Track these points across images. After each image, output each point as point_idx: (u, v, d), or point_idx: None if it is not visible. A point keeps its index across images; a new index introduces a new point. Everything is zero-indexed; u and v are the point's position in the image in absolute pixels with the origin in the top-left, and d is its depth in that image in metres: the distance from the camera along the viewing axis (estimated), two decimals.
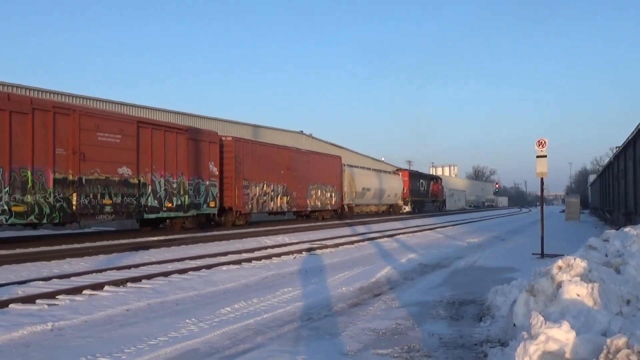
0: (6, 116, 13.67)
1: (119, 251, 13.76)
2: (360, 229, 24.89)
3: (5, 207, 13.55)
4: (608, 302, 4.75)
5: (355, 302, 7.78)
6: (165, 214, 19.23)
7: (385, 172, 47.45)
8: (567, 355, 3.62)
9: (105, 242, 15.28)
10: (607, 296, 4.85)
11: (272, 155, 26.57)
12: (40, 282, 9.26)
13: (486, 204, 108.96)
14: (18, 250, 12.83)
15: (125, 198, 17.39)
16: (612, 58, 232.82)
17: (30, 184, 14.26)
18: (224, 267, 11.38)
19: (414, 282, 9.72)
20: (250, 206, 24.44)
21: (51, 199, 14.84)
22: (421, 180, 54.86)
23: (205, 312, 7.00)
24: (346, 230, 23.52)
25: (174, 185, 19.54)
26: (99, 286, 8.74)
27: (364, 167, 43.03)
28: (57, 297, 7.93)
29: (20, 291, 8.40)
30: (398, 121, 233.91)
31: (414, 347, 5.25)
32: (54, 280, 9.51)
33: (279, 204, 27.10)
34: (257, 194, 25.09)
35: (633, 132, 20.14)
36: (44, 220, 14.86)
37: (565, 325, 3.75)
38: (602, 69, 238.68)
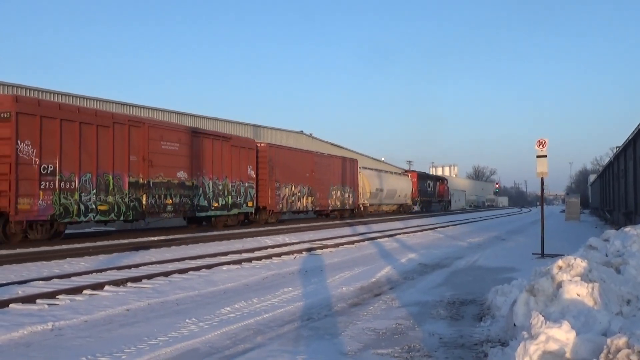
0: (94, 130, 16.44)
1: (120, 251, 13.77)
2: (361, 228, 24.89)
3: (94, 206, 16.37)
4: (608, 302, 4.75)
5: (356, 302, 7.79)
6: (212, 213, 21.97)
7: (395, 173, 51.06)
8: (568, 355, 3.62)
9: (105, 242, 15.29)
10: (608, 296, 4.85)
11: (298, 159, 29.32)
12: (40, 282, 9.26)
13: (486, 204, 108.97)
14: (18, 250, 12.83)
15: (182, 198, 20.15)
16: (612, 58, 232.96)
17: (111, 187, 17.01)
18: (224, 267, 11.39)
19: (414, 282, 9.72)
20: (281, 205, 27.15)
21: (127, 199, 17.58)
22: (428, 181, 57.95)
23: (206, 312, 7.00)
24: (346, 230, 23.51)
25: (220, 187, 22.36)
26: (99, 286, 8.74)
27: (377, 170, 46.11)
28: (57, 297, 7.93)
29: (21, 291, 8.40)
30: (398, 121, 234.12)
31: (414, 347, 5.25)
32: (54, 280, 9.51)
33: (304, 204, 29.77)
34: (287, 195, 27.72)
35: (633, 132, 20.14)
36: (121, 217, 17.52)
37: (566, 325, 3.75)
38: (602, 68, 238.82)
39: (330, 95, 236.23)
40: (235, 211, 23.50)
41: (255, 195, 24.97)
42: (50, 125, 15.15)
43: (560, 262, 5.29)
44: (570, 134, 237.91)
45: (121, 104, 27.79)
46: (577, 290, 4.62)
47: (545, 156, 13.55)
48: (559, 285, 4.83)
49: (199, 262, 11.94)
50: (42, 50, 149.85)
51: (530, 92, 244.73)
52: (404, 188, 48.29)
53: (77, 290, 8.35)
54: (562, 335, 3.68)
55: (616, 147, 33.61)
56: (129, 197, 17.67)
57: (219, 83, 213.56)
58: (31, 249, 13.24)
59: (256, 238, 18.24)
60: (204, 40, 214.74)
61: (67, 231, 19.55)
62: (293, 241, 17.52)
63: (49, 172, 15.12)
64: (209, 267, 11.26)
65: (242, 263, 12.09)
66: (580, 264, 5.16)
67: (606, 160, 57.76)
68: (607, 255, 6.24)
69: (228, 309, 7.20)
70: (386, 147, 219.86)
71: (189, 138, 20.52)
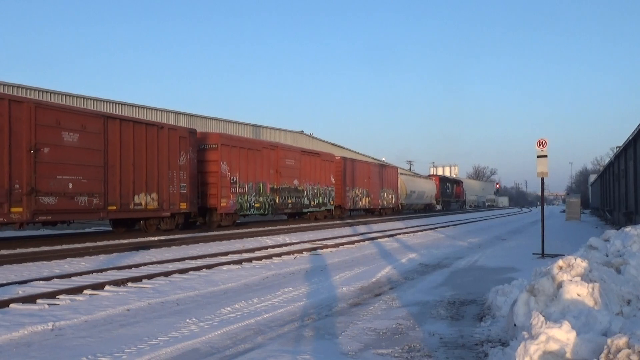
0: (253, 153, 24.16)
1: (120, 251, 13.77)
2: (361, 229, 24.90)
3: (253, 204, 23.91)
4: (609, 302, 4.75)
5: (356, 302, 7.79)
6: (311, 209, 29.78)
7: (422, 177, 61.83)
8: (568, 355, 3.62)
9: (106, 242, 15.29)
10: (608, 296, 4.84)
11: (360, 168, 37.15)
12: (40, 281, 9.27)
13: (487, 204, 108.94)
14: (19, 250, 12.84)
15: (296, 199, 27.95)
16: (613, 58, 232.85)
17: (261, 191, 24.61)
18: (225, 267, 11.39)
19: (414, 282, 9.72)
20: (350, 204, 34.83)
21: (269, 200, 25.27)
22: (447, 184, 67.26)
23: (206, 312, 7.01)
24: (347, 230, 23.52)
25: (315, 191, 29.96)
26: (99, 286, 8.74)
27: (410, 174, 58.25)
28: (57, 297, 7.94)
29: (21, 291, 8.41)
30: (398, 121, 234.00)
31: (414, 347, 5.25)
32: (55, 280, 9.52)
33: (364, 203, 37.35)
34: (353, 196, 35.29)
35: (634, 132, 20.13)
36: (266, 212, 25.16)
37: (566, 325, 3.74)
38: (602, 68, 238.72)
39: (331, 95, 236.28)
40: (323, 208, 31.09)
41: (334, 196, 32.46)
42: (234, 151, 22.79)
43: (560, 262, 5.29)
44: (570, 134, 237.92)
45: (121, 104, 27.80)
46: (577, 290, 4.62)
47: (546, 156, 13.54)
48: (560, 285, 4.83)
49: (199, 262, 11.94)
50: (41, 50, 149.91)
51: (530, 92, 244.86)
52: (429, 190, 56.79)
53: (77, 290, 8.35)
54: (563, 335, 3.68)
55: (616, 147, 33.60)
56: (270, 197, 25.30)
57: (219, 83, 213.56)
58: (31, 249, 13.24)
59: (256, 238, 18.24)
60: (204, 40, 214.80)
61: (68, 231, 19.89)
62: (293, 241, 17.52)
63: (234, 182, 22.61)
64: (209, 267, 11.26)
65: (243, 263, 12.10)
66: (580, 264, 5.15)
67: (606, 160, 57.74)
68: (607, 255, 6.23)
69: (228, 309, 7.20)
70: (386, 147, 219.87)
71: (300, 155, 28.62)
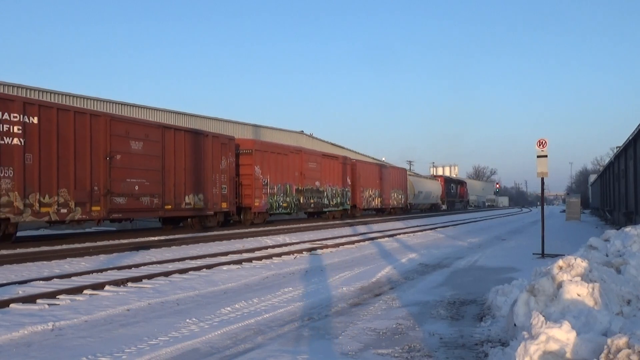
0: (281, 157, 26.46)
1: (120, 251, 13.77)
2: (361, 229, 24.90)
3: (281, 204, 26.12)
4: (609, 302, 4.75)
5: (356, 302, 7.78)
6: (330, 209, 31.98)
7: (429, 178, 63.93)
8: (568, 355, 3.62)
9: (105, 242, 15.29)
10: (608, 296, 4.84)
11: (373, 170, 39.59)
12: (41, 282, 9.27)
13: (487, 204, 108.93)
14: (19, 250, 12.83)
15: (317, 199, 30.20)
16: (613, 58, 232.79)
17: (288, 192, 26.91)
18: (225, 267, 11.39)
19: (414, 282, 9.72)
20: (364, 204, 37.26)
21: (294, 200, 27.60)
22: (452, 184, 70.04)
23: (206, 312, 7.01)
24: (347, 230, 23.52)
25: (333, 192, 32.18)
26: (99, 286, 8.74)
27: (418, 175, 60.06)
28: (57, 297, 7.94)
29: (21, 291, 8.41)
30: (398, 121, 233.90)
31: (414, 347, 5.25)
32: (55, 280, 9.52)
33: (377, 202, 39.79)
34: (366, 196, 37.71)
35: (634, 132, 20.13)
36: (291, 211, 27.53)
37: (566, 325, 3.74)
38: (602, 68, 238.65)
39: (331, 95, 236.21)
40: (340, 208, 33.27)
41: (350, 196, 34.76)
42: (266, 156, 25.05)
43: (560, 262, 5.28)
44: (570, 134, 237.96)
45: (121, 104, 27.78)
46: (577, 290, 4.62)
47: (546, 156, 13.54)
48: (560, 285, 4.83)
49: (199, 262, 11.94)
50: (41, 50, 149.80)
51: (530, 92, 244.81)
52: (435, 190, 59.55)
53: (77, 290, 8.35)
54: (563, 335, 3.68)
55: (616, 147, 33.60)
56: (295, 198, 27.65)
57: (219, 83, 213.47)
58: (32, 249, 13.24)
59: (256, 238, 18.24)
60: (204, 40, 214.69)
61: (68, 231, 19.92)
62: (293, 241, 17.52)
63: (265, 183, 24.83)
64: (209, 267, 11.26)
65: (243, 263, 12.09)
66: (580, 264, 5.15)
67: (606, 160, 57.74)
68: (607, 256, 6.23)
69: (228, 309, 7.20)
70: (386, 147, 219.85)
71: (321, 159, 30.95)
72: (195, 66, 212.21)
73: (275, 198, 25.71)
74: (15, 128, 13.84)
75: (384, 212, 42.90)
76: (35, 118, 14.38)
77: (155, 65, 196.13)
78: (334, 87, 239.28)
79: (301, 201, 28.12)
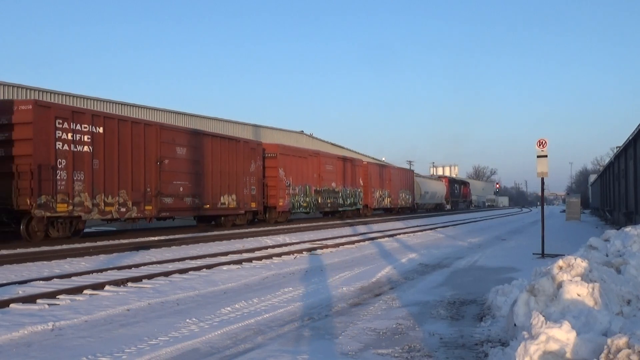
0: (301, 160, 28.73)
1: (120, 251, 13.77)
2: (361, 228, 24.90)
3: (301, 204, 28.34)
4: (609, 302, 4.74)
5: (356, 302, 7.79)
6: (345, 208, 34.40)
7: (434, 178, 66.66)
8: (568, 355, 3.62)
9: (105, 242, 15.29)
10: (608, 296, 4.84)
11: (382, 171, 41.95)
12: (41, 281, 9.26)
13: (487, 204, 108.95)
14: (19, 250, 12.83)
15: (334, 199, 32.61)
16: (613, 58, 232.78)
17: (307, 192, 29.09)
18: (225, 267, 11.39)
19: (414, 282, 9.72)
20: (375, 204, 39.70)
21: (313, 200, 29.82)
22: (455, 185, 72.48)
23: (206, 312, 7.01)
24: (347, 230, 23.52)
25: (348, 192, 34.60)
26: (99, 286, 8.74)
27: (424, 177, 63.03)
28: (57, 296, 7.94)
29: (21, 291, 8.41)
30: (398, 121, 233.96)
31: (414, 347, 5.25)
32: (55, 280, 9.51)
33: (386, 202, 42.35)
34: (377, 197, 40.23)
35: (634, 131, 20.13)
36: (310, 211, 29.75)
37: (566, 325, 3.74)
38: (602, 68, 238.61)
39: (331, 95, 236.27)
40: (354, 207, 35.67)
41: (362, 197, 37.06)
42: (288, 159, 27.32)
43: (560, 262, 5.28)
44: (570, 134, 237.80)
45: (121, 104, 27.78)
46: (577, 290, 4.62)
47: (546, 156, 13.53)
48: (560, 285, 4.83)
49: (199, 262, 11.94)
50: (41, 50, 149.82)
51: (530, 91, 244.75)
52: (440, 190, 61.82)
53: (77, 290, 8.35)
54: (563, 335, 3.68)
55: (616, 147, 33.60)
56: (314, 198, 29.90)
57: (219, 83, 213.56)
58: (32, 249, 13.24)
59: (256, 238, 18.25)
60: (204, 40, 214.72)
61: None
62: (293, 241, 17.52)
63: (288, 185, 27.04)
64: (209, 267, 11.26)
65: (243, 263, 12.10)
66: (580, 264, 5.15)
67: (606, 160, 57.73)
68: (607, 255, 6.23)
69: (228, 309, 7.20)
70: (386, 147, 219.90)
71: (337, 161, 33.47)
72: (195, 66, 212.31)
73: (296, 198, 27.86)
74: (85, 137, 15.84)
75: (392, 211, 44.79)
76: (101, 128, 16.37)
77: (155, 65, 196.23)
78: (334, 87, 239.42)
79: (319, 201, 30.49)
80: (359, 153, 55.45)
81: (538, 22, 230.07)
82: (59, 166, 15.06)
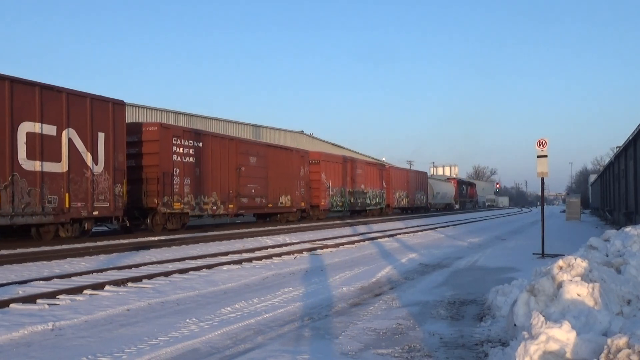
0: (337, 165, 33.05)
1: (120, 251, 13.77)
2: (361, 228, 24.90)
3: (337, 203, 32.75)
4: (609, 302, 4.74)
5: (356, 302, 7.79)
6: (371, 207, 38.86)
7: (444, 180, 70.41)
8: (568, 355, 3.62)
9: (105, 242, 15.28)
10: (608, 296, 4.84)
11: (401, 174, 46.69)
12: (41, 281, 9.27)
13: (487, 204, 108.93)
14: (19, 250, 12.84)
15: (362, 199, 36.80)
16: (613, 57, 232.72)
17: (342, 193, 33.49)
18: (225, 267, 11.39)
19: (414, 282, 9.72)
20: (395, 203, 44.25)
21: (346, 200, 33.95)
22: (463, 186, 77.09)
23: (206, 312, 7.01)
24: (347, 230, 23.52)
25: (373, 193, 39.14)
26: (99, 286, 8.74)
27: (437, 178, 67.65)
28: (57, 296, 7.93)
29: (21, 291, 8.41)
30: (398, 121, 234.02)
31: (414, 347, 5.25)
32: (55, 280, 9.52)
33: (404, 203, 46.72)
34: (397, 197, 44.59)
35: (634, 131, 20.13)
36: (344, 209, 34.12)
37: (566, 325, 3.74)
38: (603, 68, 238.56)
39: (331, 95, 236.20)
40: (379, 207, 40.41)
41: (385, 197, 41.71)
42: (328, 165, 31.86)
43: (560, 262, 5.28)
44: (570, 134, 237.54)
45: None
46: (577, 290, 4.62)
47: (546, 156, 13.53)
48: (560, 285, 4.83)
49: (199, 262, 11.94)
50: (41, 49, 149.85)
51: (530, 92, 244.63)
52: (450, 191, 65.98)
53: (77, 290, 8.35)
54: (563, 335, 3.68)
55: (617, 147, 33.59)
56: (347, 198, 34.23)
57: (219, 83, 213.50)
58: (32, 249, 13.24)
59: (256, 238, 18.25)
60: (204, 40, 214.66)
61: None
62: (293, 241, 17.53)
63: (328, 187, 31.54)
64: (209, 267, 11.26)
65: (243, 263, 12.10)
66: (580, 264, 5.15)
67: (607, 160, 57.71)
68: (607, 255, 6.23)
69: (228, 309, 7.20)
70: (387, 146, 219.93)
71: (365, 165, 37.91)
72: (194, 66, 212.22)
73: (334, 198, 32.39)
74: (191, 150, 20.16)
75: (407, 211, 49.22)
76: (201, 143, 20.74)
77: (155, 65, 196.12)
78: (334, 87, 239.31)
79: (351, 201, 34.79)
80: (359, 153, 55.51)
81: (538, 23, 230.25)
82: (175, 173, 19.22)
